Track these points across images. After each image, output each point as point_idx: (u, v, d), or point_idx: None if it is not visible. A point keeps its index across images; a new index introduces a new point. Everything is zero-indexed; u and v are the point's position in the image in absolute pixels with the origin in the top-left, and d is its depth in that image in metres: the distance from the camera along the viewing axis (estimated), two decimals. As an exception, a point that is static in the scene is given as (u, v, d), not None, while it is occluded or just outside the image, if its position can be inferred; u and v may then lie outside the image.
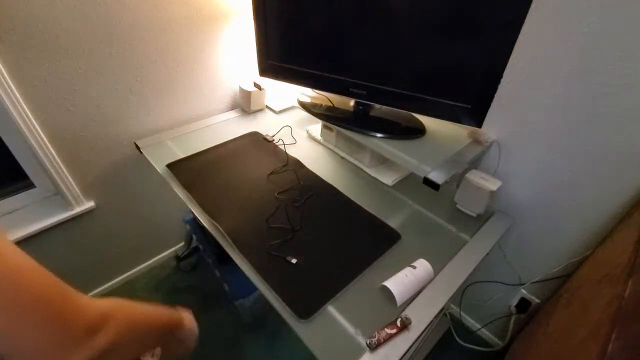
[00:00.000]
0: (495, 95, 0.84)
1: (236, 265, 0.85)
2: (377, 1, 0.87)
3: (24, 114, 0.99)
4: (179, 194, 1.03)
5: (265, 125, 1.38)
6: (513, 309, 1.22)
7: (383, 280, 0.78)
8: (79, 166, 1.18)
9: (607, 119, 0.82)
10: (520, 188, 1.05)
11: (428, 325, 0.73)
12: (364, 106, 1.11)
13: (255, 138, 1.28)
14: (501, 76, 0.81)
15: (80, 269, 1.40)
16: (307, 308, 0.74)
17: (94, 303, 0.44)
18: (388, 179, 1.12)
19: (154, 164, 1.13)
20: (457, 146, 1.00)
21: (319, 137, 1.28)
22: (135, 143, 1.24)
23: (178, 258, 1.68)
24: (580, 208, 0.96)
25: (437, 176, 0.88)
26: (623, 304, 0.56)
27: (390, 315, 0.74)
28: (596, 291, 0.72)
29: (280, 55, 1.10)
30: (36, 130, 1.03)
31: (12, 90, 0.95)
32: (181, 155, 1.16)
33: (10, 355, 0.38)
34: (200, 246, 1.43)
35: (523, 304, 1.19)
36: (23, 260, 0.40)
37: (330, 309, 0.75)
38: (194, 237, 1.51)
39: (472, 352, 1.38)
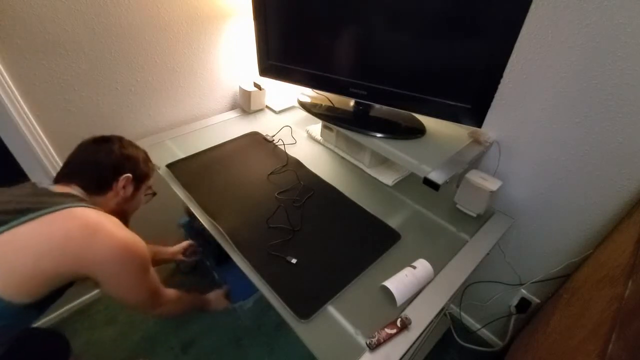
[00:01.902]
0: (495, 95, 0.84)
1: (235, 266, 0.84)
2: (377, 1, 0.87)
3: (23, 114, 0.99)
4: (179, 194, 1.03)
5: (265, 125, 1.37)
6: (513, 309, 1.22)
7: (383, 280, 0.78)
8: (78, 166, 1.18)
9: (607, 119, 0.82)
10: (520, 188, 1.05)
11: (428, 325, 0.73)
12: (364, 106, 1.11)
13: (255, 138, 1.28)
14: (501, 76, 0.81)
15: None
16: (307, 308, 0.74)
17: (164, 289, 0.88)
18: (388, 179, 1.11)
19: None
20: (457, 146, 1.00)
21: (319, 137, 1.28)
22: (135, 143, 1.24)
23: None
24: (580, 208, 0.96)
25: (437, 176, 0.88)
26: (623, 304, 0.56)
27: (390, 315, 0.74)
28: (596, 291, 0.72)
29: (280, 55, 1.10)
30: (36, 130, 1.03)
31: (11, 90, 0.95)
32: (181, 155, 1.16)
33: (124, 299, 0.75)
34: (199, 248, 1.43)
35: (523, 304, 1.19)
36: (133, 237, 0.73)
37: (330, 309, 0.75)
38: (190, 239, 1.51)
39: (472, 352, 1.38)
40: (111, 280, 0.70)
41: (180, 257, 1.27)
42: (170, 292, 0.91)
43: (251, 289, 1.19)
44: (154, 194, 0.94)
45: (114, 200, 0.80)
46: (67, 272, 0.64)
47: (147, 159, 0.89)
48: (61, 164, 1.11)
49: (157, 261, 1.18)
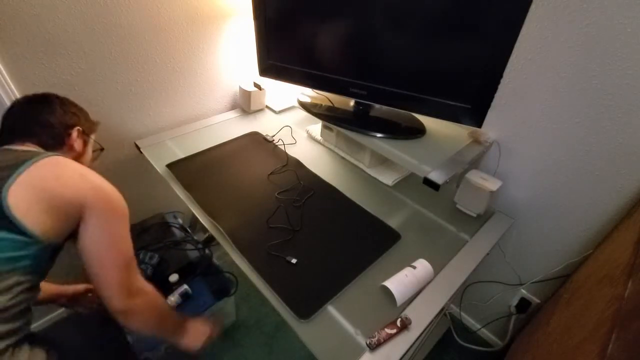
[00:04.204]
0: (495, 95, 0.84)
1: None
2: (377, 1, 0.87)
3: (23, 114, 0.99)
4: (179, 194, 1.03)
5: (265, 125, 1.38)
6: (513, 309, 1.22)
7: (383, 280, 0.78)
8: (78, 166, 1.18)
9: (607, 119, 0.82)
10: (520, 188, 1.05)
11: (428, 325, 0.73)
12: (364, 106, 1.11)
13: (255, 138, 1.28)
14: (501, 76, 0.81)
15: (77, 269, 1.40)
16: (307, 308, 0.74)
17: (142, 279, 0.77)
18: (388, 179, 1.11)
19: (154, 164, 1.13)
20: (457, 146, 1.00)
21: (319, 137, 1.28)
22: (135, 143, 1.24)
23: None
24: (580, 208, 0.96)
25: (437, 176, 0.88)
26: (623, 304, 0.56)
27: (390, 315, 0.74)
28: (596, 291, 0.72)
29: (281, 55, 1.10)
30: (36, 130, 1.03)
31: (11, 90, 0.95)
32: (181, 155, 1.16)
33: (102, 259, 0.69)
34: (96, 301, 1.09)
35: (523, 304, 1.19)
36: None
37: (330, 309, 0.75)
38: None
39: (472, 352, 1.38)
40: (98, 224, 0.68)
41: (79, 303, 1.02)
42: (147, 284, 0.78)
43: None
44: (102, 149, 0.95)
45: (69, 155, 0.80)
46: (74, 211, 0.66)
47: (86, 113, 0.89)
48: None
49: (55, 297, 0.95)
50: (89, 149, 0.88)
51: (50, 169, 0.66)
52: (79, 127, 0.82)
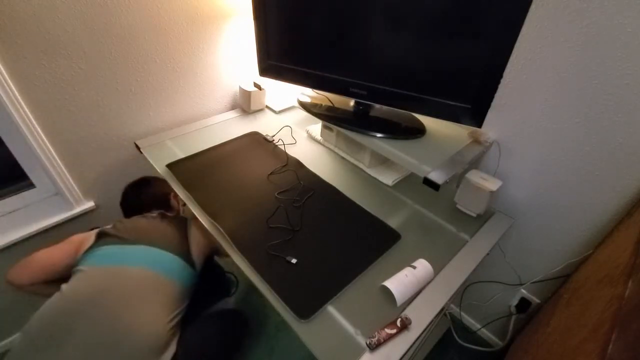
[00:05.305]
0: (495, 96, 0.84)
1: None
2: (377, 1, 0.87)
3: (24, 114, 0.99)
4: (179, 194, 1.03)
5: (265, 125, 1.38)
6: (513, 309, 1.22)
7: (383, 280, 0.78)
8: (79, 166, 1.18)
9: (607, 119, 0.82)
10: (520, 188, 1.05)
11: (428, 325, 0.73)
12: (364, 106, 1.11)
13: (255, 138, 1.28)
14: (501, 76, 0.81)
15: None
16: (307, 308, 0.74)
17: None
18: (388, 179, 1.11)
19: (154, 164, 1.13)
20: (457, 146, 1.00)
21: (319, 137, 1.28)
22: (135, 143, 1.24)
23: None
24: (580, 208, 0.96)
25: (437, 176, 0.88)
26: (623, 304, 0.56)
27: (390, 315, 0.74)
28: (596, 291, 0.72)
29: (280, 55, 1.10)
30: (36, 130, 1.03)
31: (12, 90, 0.95)
32: (181, 155, 1.16)
33: (220, 255, 1.19)
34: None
35: (523, 304, 1.19)
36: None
37: (330, 309, 0.75)
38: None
39: (472, 352, 1.38)
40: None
41: None
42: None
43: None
44: (184, 203, 1.21)
45: (173, 212, 1.18)
46: (208, 251, 1.09)
47: (169, 184, 1.18)
48: (62, 165, 1.13)
49: None
50: (181, 206, 1.23)
51: (196, 231, 1.06)
52: (172, 193, 1.17)
